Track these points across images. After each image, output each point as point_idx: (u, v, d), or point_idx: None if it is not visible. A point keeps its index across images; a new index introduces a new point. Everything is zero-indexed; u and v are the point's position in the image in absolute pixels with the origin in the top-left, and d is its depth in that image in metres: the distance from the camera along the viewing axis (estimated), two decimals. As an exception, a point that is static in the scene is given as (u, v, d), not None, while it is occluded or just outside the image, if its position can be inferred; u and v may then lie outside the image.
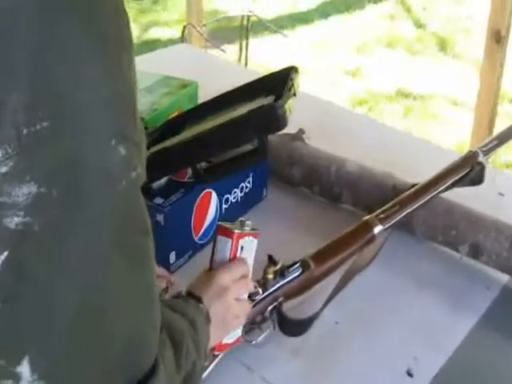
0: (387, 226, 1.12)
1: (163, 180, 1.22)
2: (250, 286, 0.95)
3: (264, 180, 1.41)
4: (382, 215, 1.12)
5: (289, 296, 1.03)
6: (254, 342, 0.99)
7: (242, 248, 0.94)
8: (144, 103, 1.37)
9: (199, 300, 0.86)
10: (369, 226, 1.11)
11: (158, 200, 1.18)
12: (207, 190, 1.25)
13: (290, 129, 1.43)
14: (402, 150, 1.55)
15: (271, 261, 1.01)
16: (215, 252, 0.94)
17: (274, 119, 1.00)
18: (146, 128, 1.28)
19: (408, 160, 1.47)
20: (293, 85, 1.05)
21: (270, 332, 1.03)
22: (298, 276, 1.04)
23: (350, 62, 4.38)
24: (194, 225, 1.24)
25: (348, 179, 1.34)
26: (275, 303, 1.01)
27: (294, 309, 1.05)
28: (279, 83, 1.06)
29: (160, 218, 1.18)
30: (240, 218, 0.97)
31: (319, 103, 1.85)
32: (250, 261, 0.96)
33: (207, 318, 0.84)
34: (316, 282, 1.05)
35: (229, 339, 0.94)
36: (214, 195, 1.27)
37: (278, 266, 1.01)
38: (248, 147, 1.17)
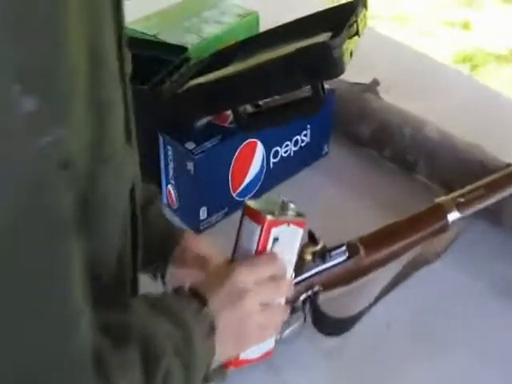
0: (466, 213, 0.88)
1: (201, 122, 1.02)
2: (283, 290, 0.73)
3: (325, 135, 1.19)
4: (461, 199, 0.88)
5: (328, 285, 0.82)
6: (278, 337, 0.79)
7: (275, 240, 0.71)
8: (193, 30, 1.16)
9: (204, 302, 0.65)
10: (442, 211, 0.88)
11: (190, 145, 0.98)
12: (251, 140, 1.04)
13: (365, 78, 1.21)
14: (501, 120, 1.27)
15: (311, 238, 0.80)
16: (239, 239, 0.72)
17: (326, 61, 0.77)
18: (187, 59, 1.07)
19: (506, 134, 1.20)
20: (356, 22, 0.81)
21: (300, 326, 0.83)
22: (342, 262, 0.83)
23: (458, 15, 3.97)
24: (233, 178, 1.04)
25: (425, 146, 1.09)
26: (310, 292, 0.81)
27: (332, 302, 0.84)
28: (342, 19, 0.82)
29: (190, 165, 0.98)
30: (282, 198, 0.72)
31: (407, 52, 1.57)
32: (289, 256, 0.74)
33: (211, 328, 0.64)
34: (365, 272, 0.84)
35: (253, 353, 0.74)
36: (260, 147, 1.06)
37: (319, 246, 0.80)
38: (302, 94, 0.95)
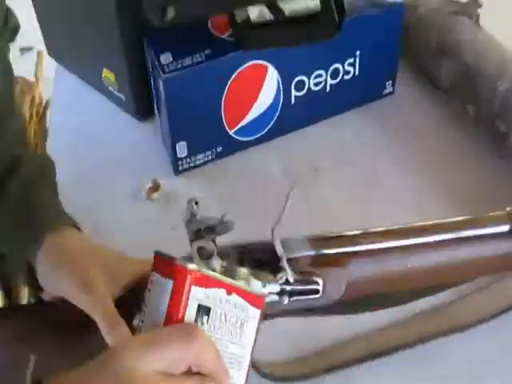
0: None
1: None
2: None
3: (389, 67, 0.85)
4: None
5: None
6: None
7: (202, 309, 0.44)
8: None
9: None
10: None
11: (166, 58, 0.72)
12: (259, 62, 0.75)
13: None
14: None
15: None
16: (146, 301, 0.46)
17: None
18: None
19: None
20: None
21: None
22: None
23: None
24: (227, 111, 0.77)
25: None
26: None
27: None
28: None
29: (161, 85, 0.73)
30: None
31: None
32: (232, 349, 0.47)
33: None
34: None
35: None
36: (273, 72, 0.77)
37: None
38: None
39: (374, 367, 0.61)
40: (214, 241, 0.49)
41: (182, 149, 0.78)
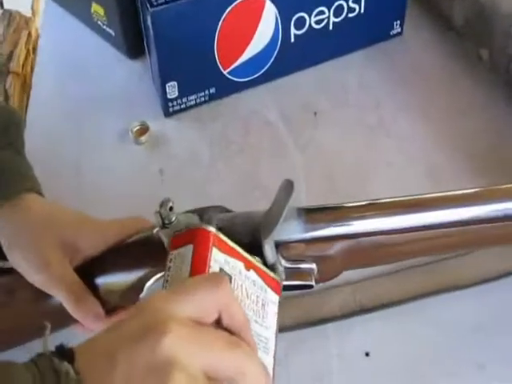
0: None
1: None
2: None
3: (397, 6, 0.79)
4: None
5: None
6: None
7: (221, 272, 0.40)
8: None
9: (70, 360, 0.35)
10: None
11: (153, -11, 0.67)
12: (254, -5, 0.70)
13: None
14: None
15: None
16: (166, 278, 0.41)
17: None
18: None
19: None
20: None
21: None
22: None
23: None
24: (220, 49, 0.72)
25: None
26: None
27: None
28: None
29: (148, 20, 0.67)
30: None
31: None
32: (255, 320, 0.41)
33: None
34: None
35: None
36: (271, 8, 0.71)
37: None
38: None
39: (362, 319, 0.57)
40: None
41: (172, 89, 0.73)
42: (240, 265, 0.41)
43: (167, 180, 0.70)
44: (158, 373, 0.32)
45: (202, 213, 0.47)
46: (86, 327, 0.50)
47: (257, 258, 0.42)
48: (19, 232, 0.49)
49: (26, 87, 0.89)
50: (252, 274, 0.41)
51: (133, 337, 0.33)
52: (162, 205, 0.44)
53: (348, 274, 0.58)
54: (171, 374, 0.32)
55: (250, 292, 0.41)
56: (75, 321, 0.49)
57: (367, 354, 0.55)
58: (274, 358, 0.41)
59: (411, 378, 0.54)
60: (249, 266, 0.41)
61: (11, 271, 0.50)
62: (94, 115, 0.76)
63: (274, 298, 0.42)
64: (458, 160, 0.69)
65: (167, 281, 0.40)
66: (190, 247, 0.40)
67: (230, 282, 0.39)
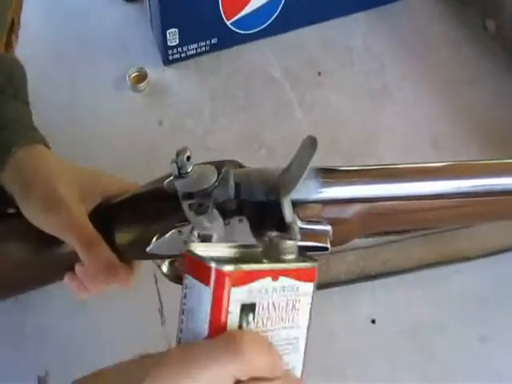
0: None
1: None
2: None
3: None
4: None
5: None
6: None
7: (243, 308, 0.37)
8: None
9: None
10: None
11: None
12: None
13: None
14: None
15: None
16: (183, 307, 0.38)
17: None
18: None
19: None
20: None
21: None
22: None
23: None
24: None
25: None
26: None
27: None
28: None
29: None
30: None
31: None
32: (289, 333, 0.40)
33: None
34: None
35: None
36: (284, -42, 0.68)
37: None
38: None
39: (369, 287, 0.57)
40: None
41: (172, 36, 0.70)
42: (266, 281, 0.38)
43: (166, 131, 0.67)
44: None
45: (219, 165, 0.45)
46: (89, 287, 0.47)
47: (282, 260, 0.39)
48: (34, 177, 0.45)
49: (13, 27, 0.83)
50: (281, 280, 0.38)
51: None
52: (178, 154, 0.42)
53: (353, 242, 0.58)
54: None
55: (277, 302, 0.38)
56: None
57: (373, 321, 0.55)
58: (306, 347, 0.40)
59: (416, 347, 0.53)
60: (276, 274, 0.38)
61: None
62: (88, 60, 0.72)
63: (307, 289, 0.40)
64: (462, 130, 0.68)
65: (183, 311, 0.37)
66: (208, 290, 0.36)
67: (254, 309, 0.37)
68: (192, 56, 0.72)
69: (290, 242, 0.38)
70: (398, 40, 0.77)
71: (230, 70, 0.72)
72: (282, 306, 0.39)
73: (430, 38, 0.77)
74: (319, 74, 0.73)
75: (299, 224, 0.42)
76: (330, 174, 0.44)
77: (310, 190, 0.43)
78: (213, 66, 0.72)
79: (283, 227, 0.42)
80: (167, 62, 0.72)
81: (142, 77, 0.70)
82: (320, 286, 0.57)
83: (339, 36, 0.76)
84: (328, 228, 0.43)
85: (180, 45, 0.71)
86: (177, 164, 0.41)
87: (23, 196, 0.45)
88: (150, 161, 0.64)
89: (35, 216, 0.45)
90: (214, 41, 0.72)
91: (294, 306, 0.39)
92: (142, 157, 0.64)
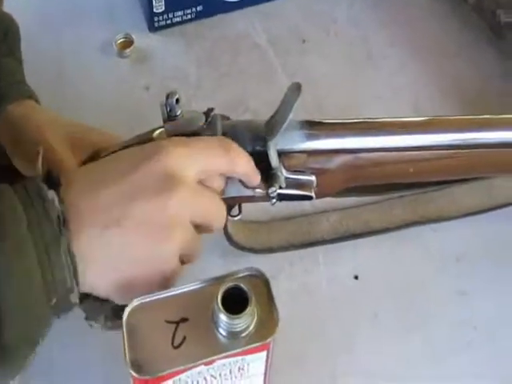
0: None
1: None
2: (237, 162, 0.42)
3: None
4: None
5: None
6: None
7: None
8: None
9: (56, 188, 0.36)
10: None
11: None
12: None
13: None
14: None
15: None
16: None
17: None
18: None
19: None
20: None
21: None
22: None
23: None
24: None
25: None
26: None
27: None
28: None
29: None
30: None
31: None
32: None
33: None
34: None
35: None
36: None
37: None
38: None
39: (352, 245, 0.58)
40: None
41: (158, 3, 0.70)
42: (197, 370, 0.37)
43: (153, 96, 0.68)
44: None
45: (207, 113, 0.46)
46: None
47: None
48: (25, 127, 0.47)
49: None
50: (219, 362, 0.38)
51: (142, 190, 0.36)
52: (168, 96, 0.43)
53: (336, 201, 0.60)
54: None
55: (218, 373, 0.39)
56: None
57: (356, 277, 0.56)
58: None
59: (397, 301, 0.55)
60: (211, 362, 0.38)
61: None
62: (75, 25, 0.72)
63: (258, 356, 0.39)
64: (444, 99, 0.70)
65: None
66: None
67: None
68: (177, 23, 0.73)
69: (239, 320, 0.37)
70: (380, 11, 0.78)
71: (215, 37, 0.73)
72: (224, 374, 0.39)
73: (413, 9, 0.79)
74: (303, 41, 0.74)
75: (284, 173, 0.44)
76: (314, 126, 0.45)
77: (295, 140, 0.44)
78: (198, 33, 0.73)
79: (269, 177, 0.43)
80: (153, 28, 0.72)
81: (128, 43, 0.71)
82: (304, 245, 0.58)
83: (324, 5, 0.77)
84: (312, 178, 0.45)
85: (166, 12, 0.72)
86: (166, 107, 0.43)
87: (15, 147, 0.46)
88: (136, 124, 0.64)
89: (26, 166, 0.46)
90: (199, 8, 0.73)
91: (241, 369, 0.39)
92: (129, 121, 0.65)
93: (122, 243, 0.36)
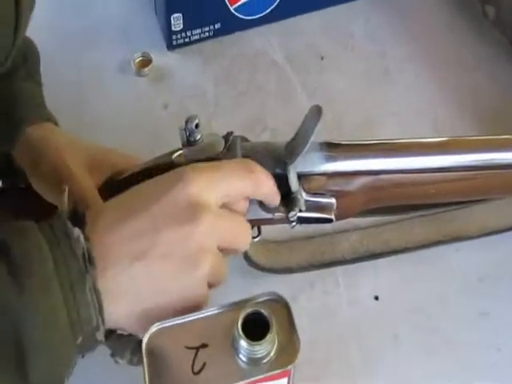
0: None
1: None
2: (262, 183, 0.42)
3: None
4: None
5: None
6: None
7: None
8: None
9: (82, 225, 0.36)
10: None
11: None
12: None
13: None
14: None
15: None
16: None
17: None
18: None
19: None
20: None
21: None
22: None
23: None
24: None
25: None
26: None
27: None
28: None
29: None
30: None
31: None
32: None
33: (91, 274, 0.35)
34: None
35: None
36: None
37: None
38: None
39: (372, 266, 0.58)
40: None
41: (176, 21, 0.71)
42: None
43: (171, 115, 0.68)
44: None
45: (227, 137, 0.46)
46: None
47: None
48: (44, 151, 0.47)
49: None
50: None
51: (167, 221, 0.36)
52: (187, 121, 0.43)
53: (356, 221, 0.59)
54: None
55: None
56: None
57: (376, 298, 0.56)
58: None
59: (418, 322, 0.54)
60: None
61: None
62: (94, 45, 0.73)
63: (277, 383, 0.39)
64: (462, 115, 0.69)
65: None
66: None
67: None
68: (195, 41, 0.73)
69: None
70: (399, 25, 0.78)
71: (233, 55, 0.73)
72: None
73: (431, 24, 0.78)
74: (322, 58, 0.74)
75: (304, 196, 0.43)
76: (334, 148, 0.45)
77: (315, 162, 0.44)
78: (216, 51, 0.73)
79: (289, 200, 0.43)
80: (171, 46, 0.73)
81: (146, 62, 0.71)
82: (324, 265, 0.58)
83: (340, 21, 0.77)
84: (332, 200, 0.44)
85: (184, 30, 0.72)
86: (185, 131, 0.43)
87: (34, 169, 0.46)
88: (155, 143, 0.65)
89: (45, 189, 0.46)
90: (217, 26, 0.73)
91: None
92: (148, 140, 0.65)
93: (149, 275, 0.36)
